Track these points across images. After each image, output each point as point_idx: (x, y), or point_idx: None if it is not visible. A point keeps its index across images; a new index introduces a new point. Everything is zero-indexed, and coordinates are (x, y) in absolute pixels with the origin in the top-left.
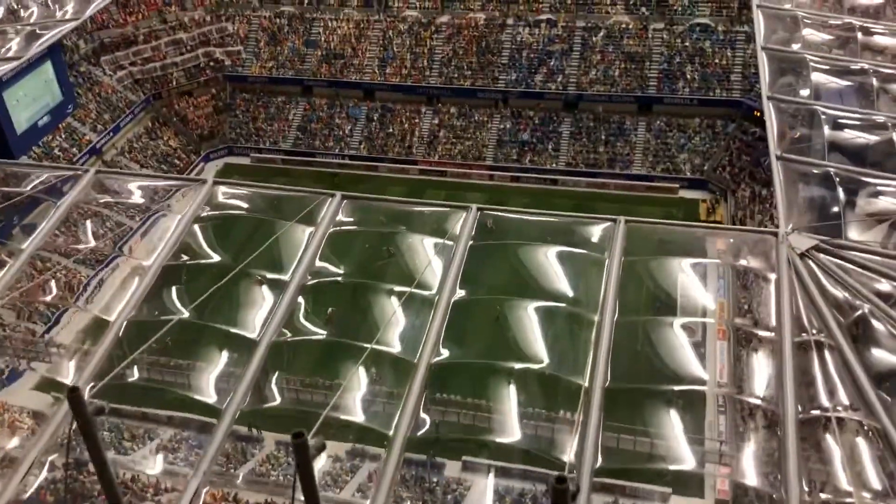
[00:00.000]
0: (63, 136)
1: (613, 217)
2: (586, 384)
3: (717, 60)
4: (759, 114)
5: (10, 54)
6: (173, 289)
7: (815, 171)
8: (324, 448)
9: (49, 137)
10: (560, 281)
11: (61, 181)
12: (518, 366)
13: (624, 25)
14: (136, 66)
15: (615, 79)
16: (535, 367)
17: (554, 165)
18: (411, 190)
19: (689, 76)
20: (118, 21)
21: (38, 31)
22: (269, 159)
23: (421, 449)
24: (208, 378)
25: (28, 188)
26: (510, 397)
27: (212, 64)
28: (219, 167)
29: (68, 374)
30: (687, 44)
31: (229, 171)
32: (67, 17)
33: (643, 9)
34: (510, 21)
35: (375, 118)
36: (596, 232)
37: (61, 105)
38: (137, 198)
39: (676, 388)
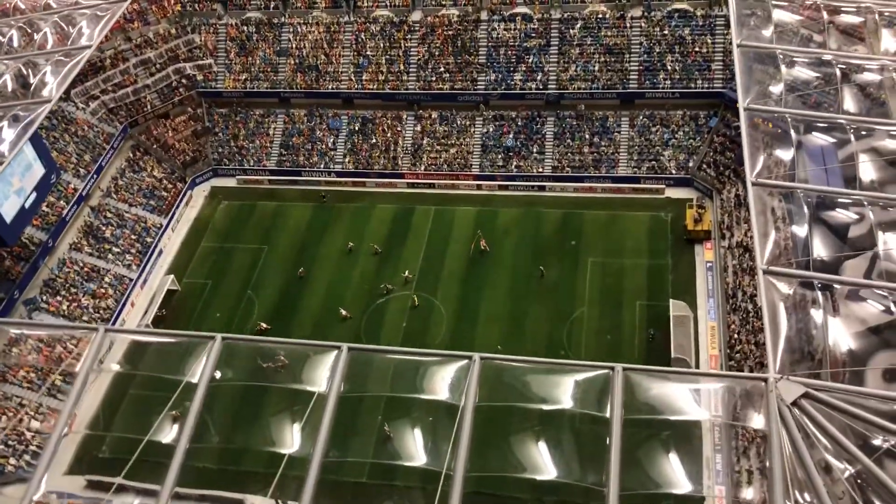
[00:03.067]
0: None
1: (611, 365)
2: None
3: (697, 48)
4: None
5: None
6: None
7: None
8: None
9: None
10: (561, 450)
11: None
12: None
13: (601, 15)
14: (107, 95)
15: (595, 74)
16: None
17: (540, 170)
18: (401, 207)
19: (669, 67)
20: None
21: (19, 114)
22: (255, 180)
23: None
24: None
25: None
26: None
27: (184, 81)
28: (206, 192)
29: None
30: (666, 32)
31: (217, 195)
32: (44, 94)
33: None
34: (484, 16)
35: (357, 128)
36: (593, 381)
37: (44, 178)
38: (148, 358)
39: None
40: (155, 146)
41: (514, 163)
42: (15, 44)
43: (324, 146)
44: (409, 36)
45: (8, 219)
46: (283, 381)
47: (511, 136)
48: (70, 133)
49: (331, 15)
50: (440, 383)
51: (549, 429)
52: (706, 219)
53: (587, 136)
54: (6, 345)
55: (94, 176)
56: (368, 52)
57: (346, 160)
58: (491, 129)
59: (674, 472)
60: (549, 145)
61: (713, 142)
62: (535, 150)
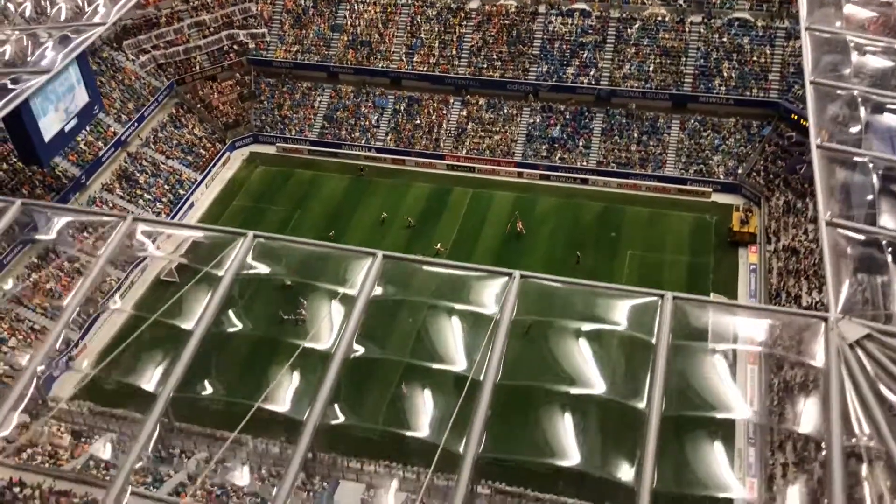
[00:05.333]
0: (88, 129)
1: (660, 293)
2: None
3: (755, 58)
4: (796, 117)
5: (44, 62)
6: (214, 362)
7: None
8: None
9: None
10: (603, 368)
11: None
12: (560, 463)
13: (660, 18)
14: (158, 51)
15: (649, 74)
16: (575, 465)
17: (584, 164)
18: (438, 187)
19: (725, 74)
20: (140, 2)
21: (68, 35)
22: (294, 149)
23: None
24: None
25: (67, 238)
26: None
27: (235, 47)
28: (244, 156)
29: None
30: (725, 39)
31: (255, 160)
32: (96, 19)
33: (680, 1)
34: (542, 9)
35: (402, 108)
36: (640, 309)
37: (88, 107)
38: (173, 249)
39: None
40: (199, 105)
41: (559, 154)
42: None
43: (367, 123)
44: (465, 22)
45: (46, 137)
46: (317, 280)
47: (557, 127)
48: (117, 80)
49: None
50: (477, 295)
51: (589, 345)
52: (753, 222)
53: (635, 135)
54: (27, 268)
55: (136, 124)
56: (422, 35)
57: (388, 138)
58: (538, 120)
59: (717, 397)
60: (596, 140)
61: (764, 150)
62: (580, 143)
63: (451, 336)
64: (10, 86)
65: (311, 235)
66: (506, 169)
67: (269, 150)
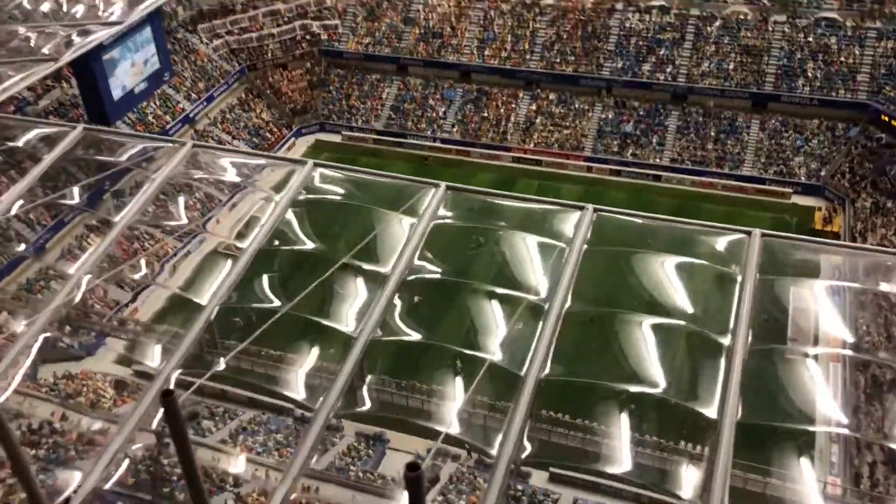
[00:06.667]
0: (157, 104)
1: (748, 229)
2: (715, 416)
3: (842, 59)
4: (887, 118)
5: (112, 18)
6: (267, 275)
7: None
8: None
9: (144, 104)
10: (685, 297)
11: (155, 152)
12: (635, 389)
13: (742, 16)
14: (232, 36)
15: (729, 72)
16: (655, 392)
17: (658, 160)
18: (503, 178)
19: (810, 74)
20: None
21: None
22: (360, 138)
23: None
24: (302, 373)
25: (123, 157)
26: (624, 422)
27: (308, 37)
28: (310, 143)
29: (154, 355)
30: (810, 39)
31: (320, 148)
32: None
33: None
34: (619, 6)
35: (471, 101)
36: (725, 244)
37: (158, 72)
38: (230, 175)
39: (810, 428)
40: (268, 91)
41: (631, 150)
42: None
43: (434, 114)
44: (539, 18)
45: (116, 95)
46: (373, 203)
47: (631, 123)
48: (189, 61)
49: None
50: (547, 225)
51: (666, 276)
52: (836, 221)
53: (712, 134)
54: (86, 226)
55: (205, 103)
56: (495, 29)
57: (454, 129)
58: (610, 116)
59: (805, 332)
60: (671, 137)
61: (850, 152)
62: (654, 140)
63: (516, 261)
64: (82, 38)
65: None
66: (574, 163)
67: (335, 138)
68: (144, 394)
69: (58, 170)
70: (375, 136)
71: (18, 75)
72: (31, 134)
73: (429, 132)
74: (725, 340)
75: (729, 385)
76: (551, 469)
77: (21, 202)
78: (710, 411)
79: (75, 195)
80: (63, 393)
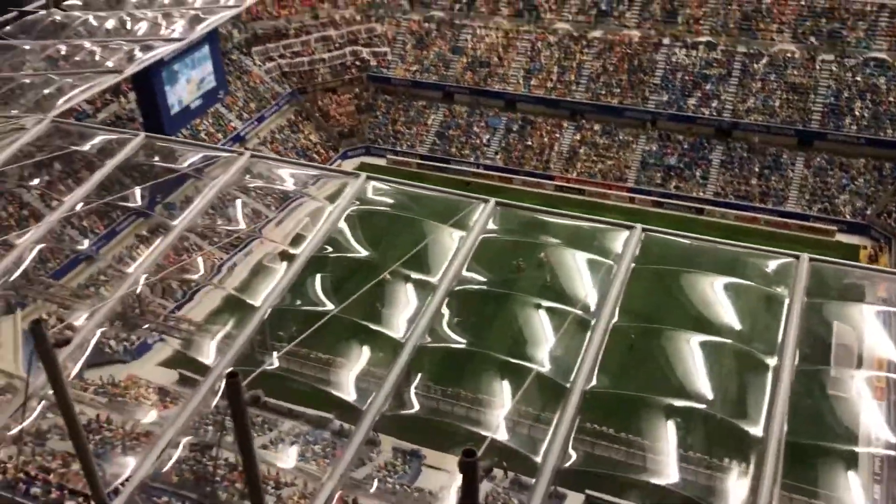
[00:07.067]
0: (210, 121)
1: (795, 253)
2: (762, 434)
3: (891, 98)
4: None
5: (173, 35)
6: (319, 280)
7: None
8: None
9: (197, 121)
10: (732, 316)
11: (213, 160)
12: (680, 403)
13: (789, 55)
14: (284, 59)
15: (775, 109)
16: (699, 406)
17: (701, 193)
18: (545, 205)
19: (857, 113)
20: (272, 14)
21: (200, 16)
22: (404, 162)
23: (570, 482)
24: (351, 375)
25: (183, 164)
26: (669, 437)
27: (357, 63)
28: (355, 165)
29: (207, 354)
30: (858, 78)
31: (365, 171)
32: (230, 3)
33: (812, 38)
34: (666, 41)
35: (515, 129)
36: (773, 267)
37: (213, 90)
38: (286, 184)
39: (857, 449)
40: (317, 114)
41: (674, 183)
42: None
43: (478, 141)
44: (586, 50)
45: (173, 110)
46: (423, 215)
47: (675, 156)
48: (242, 81)
49: (512, 23)
50: (596, 243)
51: (713, 295)
52: (882, 260)
53: (757, 169)
54: (137, 237)
55: (256, 123)
56: (542, 60)
57: (498, 156)
58: (654, 148)
59: (851, 355)
60: (715, 172)
61: None
62: (698, 173)
63: (564, 276)
64: (144, 53)
65: None
66: (617, 193)
67: (380, 161)
68: (198, 388)
69: (120, 174)
70: (419, 161)
71: (84, 85)
72: (96, 140)
73: (472, 158)
74: (772, 360)
75: (775, 403)
76: (587, 491)
77: (81, 204)
78: (757, 429)
79: (137, 198)
80: (108, 394)
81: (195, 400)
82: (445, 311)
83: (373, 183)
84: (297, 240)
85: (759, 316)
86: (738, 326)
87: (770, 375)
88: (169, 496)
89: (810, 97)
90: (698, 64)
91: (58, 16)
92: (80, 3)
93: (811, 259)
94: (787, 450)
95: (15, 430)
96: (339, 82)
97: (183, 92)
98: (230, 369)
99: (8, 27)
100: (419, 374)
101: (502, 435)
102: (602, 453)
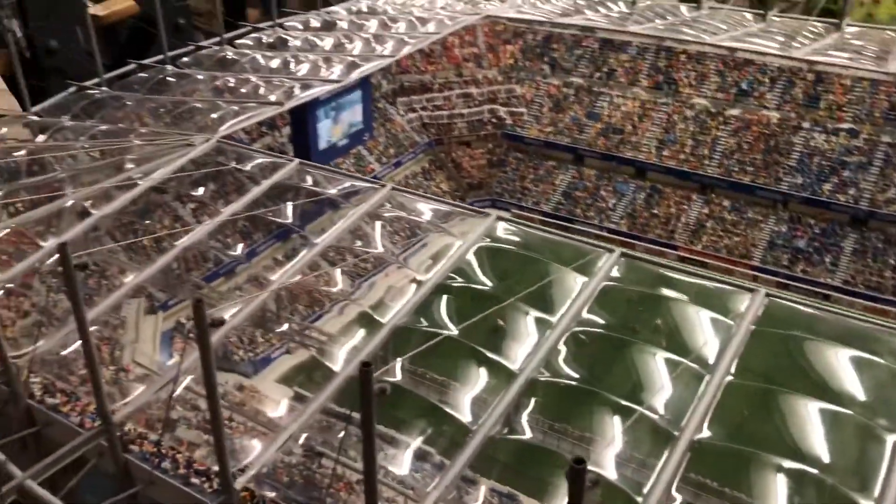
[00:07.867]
0: (352, 160)
1: None
2: None
3: None
4: None
5: (331, 77)
6: (443, 306)
7: None
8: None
9: (340, 159)
10: (856, 387)
11: (357, 190)
12: (790, 465)
13: None
14: (426, 111)
15: None
16: (812, 470)
17: (829, 280)
18: None
19: None
20: (419, 68)
21: (357, 62)
22: (528, 217)
23: None
24: (465, 398)
25: (331, 190)
26: (777, 497)
27: (494, 120)
28: None
29: (337, 359)
30: None
31: None
32: (385, 53)
33: None
34: (806, 124)
35: (643, 197)
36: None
37: (360, 132)
38: (422, 216)
39: None
40: (450, 164)
41: (801, 266)
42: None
43: (604, 205)
44: (723, 127)
45: (322, 146)
46: (549, 258)
47: (804, 240)
48: (385, 128)
49: (649, 94)
50: (718, 302)
51: (840, 365)
52: None
53: (892, 262)
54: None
55: (392, 167)
56: (677, 132)
57: (622, 221)
58: (784, 230)
59: None
60: (846, 259)
61: None
62: (827, 259)
63: (683, 329)
64: (303, 91)
65: None
66: (741, 270)
67: (504, 215)
68: (323, 387)
69: (274, 193)
70: (543, 218)
71: (247, 114)
72: (255, 161)
73: (596, 220)
74: (893, 437)
75: (891, 478)
76: None
77: (233, 215)
78: (868, 501)
79: (287, 213)
80: (229, 399)
81: (321, 398)
82: (562, 347)
83: (502, 223)
84: (428, 267)
85: (883, 392)
86: (860, 398)
87: (889, 451)
88: (278, 494)
89: None
90: (838, 150)
91: (229, 52)
92: (250, 43)
93: None
94: None
95: (162, 400)
96: (474, 137)
97: (333, 130)
98: (364, 360)
99: (185, 58)
100: (530, 405)
101: (609, 473)
102: None
